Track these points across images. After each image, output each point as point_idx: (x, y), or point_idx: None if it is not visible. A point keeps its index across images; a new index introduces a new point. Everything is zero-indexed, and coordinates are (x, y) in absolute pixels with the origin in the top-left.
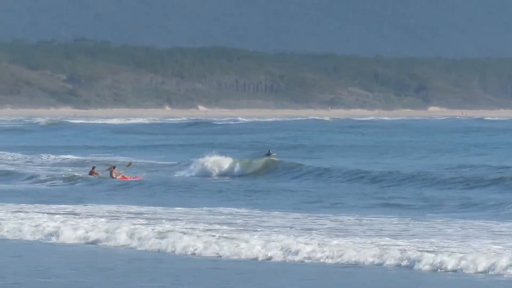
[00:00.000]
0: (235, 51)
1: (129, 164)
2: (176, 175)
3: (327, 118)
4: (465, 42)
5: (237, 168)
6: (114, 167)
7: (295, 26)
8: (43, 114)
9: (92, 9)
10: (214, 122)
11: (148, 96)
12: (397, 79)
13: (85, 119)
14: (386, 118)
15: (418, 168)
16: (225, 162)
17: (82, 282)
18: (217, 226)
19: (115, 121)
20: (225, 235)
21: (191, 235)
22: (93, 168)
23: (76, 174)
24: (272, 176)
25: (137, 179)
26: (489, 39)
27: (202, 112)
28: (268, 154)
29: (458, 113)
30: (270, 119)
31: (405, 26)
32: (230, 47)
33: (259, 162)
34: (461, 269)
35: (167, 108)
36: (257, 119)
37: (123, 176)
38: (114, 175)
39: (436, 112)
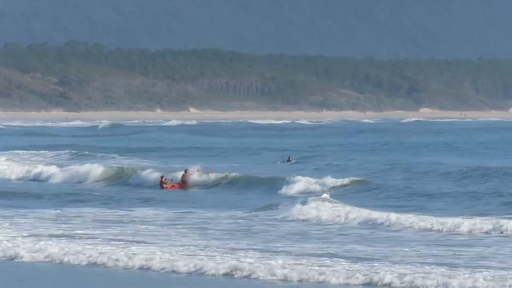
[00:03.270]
0: (226, 53)
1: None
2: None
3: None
4: (458, 44)
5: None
6: (162, 177)
7: (287, 28)
8: (33, 117)
9: (86, 13)
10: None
11: (139, 98)
12: (389, 81)
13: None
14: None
15: None
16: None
17: None
18: None
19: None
20: None
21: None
22: (162, 177)
23: None
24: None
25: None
26: (481, 41)
27: (193, 114)
28: (288, 160)
29: (451, 114)
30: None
31: (398, 28)
32: (221, 49)
33: None
34: None
35: (158, 110)
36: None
37: (172, 185)
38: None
39: (427, 113)
